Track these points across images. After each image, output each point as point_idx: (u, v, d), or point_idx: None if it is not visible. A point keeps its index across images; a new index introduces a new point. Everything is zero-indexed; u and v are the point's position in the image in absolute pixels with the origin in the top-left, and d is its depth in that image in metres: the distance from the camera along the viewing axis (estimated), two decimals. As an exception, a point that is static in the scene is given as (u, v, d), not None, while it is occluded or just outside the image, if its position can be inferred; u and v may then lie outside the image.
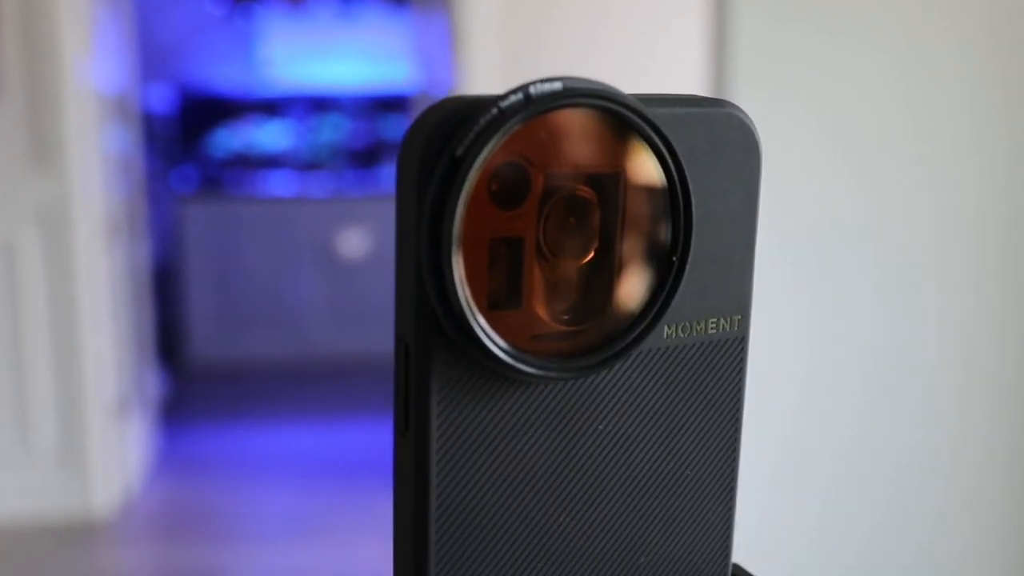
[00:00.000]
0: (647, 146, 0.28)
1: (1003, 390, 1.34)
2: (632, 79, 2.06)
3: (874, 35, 1.24)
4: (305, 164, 4.00)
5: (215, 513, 2.48)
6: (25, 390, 2.33)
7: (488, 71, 2.13)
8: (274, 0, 4.12)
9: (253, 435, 2.99)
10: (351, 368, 3.54)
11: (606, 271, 0.29)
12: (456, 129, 0.26)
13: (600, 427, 0.30)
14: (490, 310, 0.27)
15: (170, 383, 3.34)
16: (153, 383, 3.01)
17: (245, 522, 2.44)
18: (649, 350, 0.30)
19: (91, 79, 2.30)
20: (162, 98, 4.01)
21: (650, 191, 0.29)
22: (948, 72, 1.25)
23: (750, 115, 0.31)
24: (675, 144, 0.28)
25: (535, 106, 0.26)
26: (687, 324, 0.31)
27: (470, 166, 0.26)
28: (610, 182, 0.28)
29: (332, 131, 4.10)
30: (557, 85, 0.26)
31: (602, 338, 0.29)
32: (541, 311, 0.28)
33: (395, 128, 4.06)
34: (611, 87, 0.27)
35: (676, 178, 0.28)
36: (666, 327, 0.30)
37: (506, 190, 0.27)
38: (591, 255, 0.29)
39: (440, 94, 2.40)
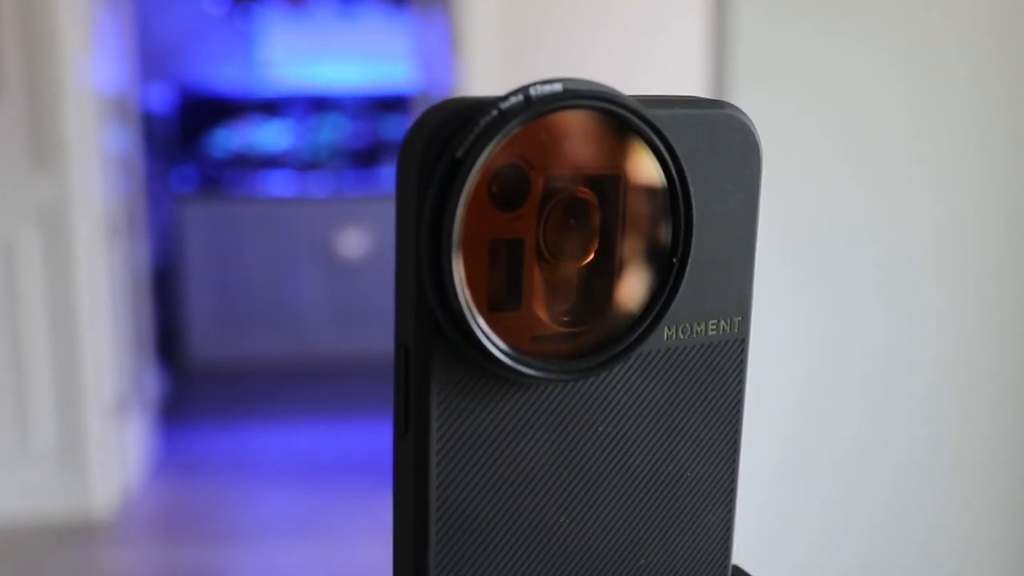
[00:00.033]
0: (647, 147, 0.28)
1: (1003, 390, 1.34)
2: (632, 79, 2.06)
3: (874, 35, 1.24)
4: (305, 164, 4.00)
5: (215, 513, 2.48)
6: (25, 390, 2.33)
7: (488, 71, 2.13)
8: (274, 0, 4.12)
9: (253, 435, 2.99)
10: (351, 368, 3.54)
11: (606, 273, 0.29)
12: (456, 131, 0.26)
13: (600, 429, 0.30)
14: (490, 312, 0.27)
15: (170, 383, 3.34)
16: (153, 383, 3.01)
17: (245, 522, 2.44)
18: (649, 352, 0.30)
19: (91, 79, 2.30)
20: (162, 98, 4.01)
21: (650, 192, 0.29)
22: (948, 72, 1.25)
23: (750, 115, 0.31)
24: (675, 145, 0.28)
25: (535, 108, 0.26)
26: (687, 326, 0.31)
27: (470, 168, 0.26)
28: (610, 184, 0.28)
29: (332, 131, 4.10)
30: (557, 87, 0.26)
31: (602, 340, 0.29)
32: (541, 313, 0.28)
33: (395, 128, 4.06)
34: (611, 89, 0.27)
35: (676, 179, 0.28)
36: (666, 329, 0.30)
37: (506, 192, 0.27)
38: (591, 257, 0.29)
39: (440, 94, 2.40)
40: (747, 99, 1.19)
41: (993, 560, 1.38)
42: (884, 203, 1.27)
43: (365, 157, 4.03)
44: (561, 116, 0.27)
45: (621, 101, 0.27)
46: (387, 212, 3.32)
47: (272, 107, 4.13)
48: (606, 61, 2.15)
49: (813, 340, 1.31)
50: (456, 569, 0.29)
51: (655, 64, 2.15)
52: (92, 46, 2.32)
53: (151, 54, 3.69)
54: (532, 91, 0.26)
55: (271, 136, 4.06)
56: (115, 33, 2.58)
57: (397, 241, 0.28)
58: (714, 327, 0.31)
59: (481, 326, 0.27)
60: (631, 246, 0.29)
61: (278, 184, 3.85)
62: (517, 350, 0.27)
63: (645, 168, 0.28)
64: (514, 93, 0.26)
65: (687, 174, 0.28)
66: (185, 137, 4.04)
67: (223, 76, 4.15)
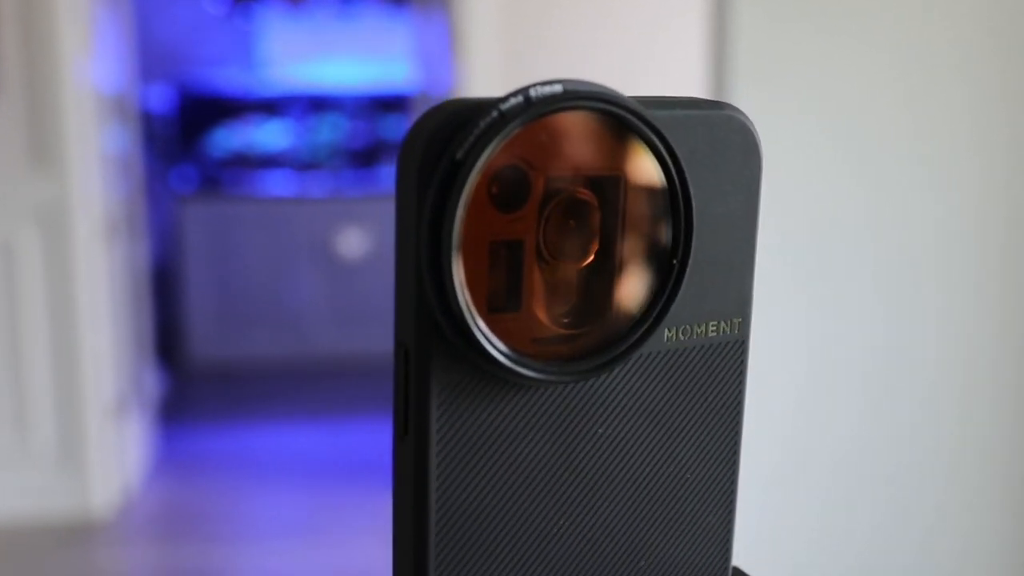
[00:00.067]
0: (647, 149, 0.28)
1: (1003, 390, 1.34)
2: (632, 79, 2.06)
3: (874, 35, 1.24)
4: (304, 164, 4.00)
5: (214, 513, 2.48)
6: (24, 390, 2.33)
7: (488, 71, 2.13)
8: (274, 0, 4.12)
9: (252, 435, 2.99)
10: (350, 368, 3.54)
11: (606, 274, 0.29)
12: (456, 132, 0.26)
13: (600, 430, 0.30)
14: (490, 313, 0.27)
15: (169, 383, 3.34)
16: (152, 383, 3.01)
17: (244, 522, 2.44)
18: (649, 353, 0.30)
19: (91, 79, 2.30)
20: (161, 97, 4.01)
21: (650, 194, 0.29)
22: (948, 72, 1.25)
23: (750, 116, 0.31)
24: (675, 146, 0.28)
25: (535, 109, 0.26)
26: (687, 327, 0.31)
27: (470, 169, 0.26)
28: (610, 185, 0.28)
29: (331, 131, 4.10)
30: (557, 88, 0.26)
31: (602, 341, 0.29)
32: (541, 314, 0.28)
33: (394, 128, 4.06)
34: (611, 90, 0.27)
35: (676, 181, 0.28)
36: (666, 330, 0.30)
37: (506, 193, 0.27)
38: (591, 258, 0.29)
39: (440, 94, 2.40)
40: (747, 99, 1.19)
41: (993, 560, 1.38)
42: (884, 203, 1.27)
43: (365, 157, 4.03)
44: (561, 117, 0.27)
45: (621, 102, 0.27)
46: (387, 212, 3.32)
47: (272, 107, 4.13)
48: (606, 61, 2.15)
49: (813, 340, 1.31)
50: (456, 571, 0.29)
51: (655, 64, 2.15)
52: (92, 46, 2.32)
53: (151, 54, 3.69)
54: (532, 92, 0.26)
55: (271, 136, 4.06)
56: (115, 33, 2.58)
57: (397, 242, 0.28)
58: (714, 328, 0.31)
59: (481, 327, 0.27)
60: (631, 247, 0.29)
61: (278, 184, 3.85)
62: (517, 351, 0.27)
63: (645, 169, 0.28)
64: (514, 94, 0.26)
65: (687, 175, 0.28)
66: (185, 137, 4.04)
67: (223, 76, 4.15)
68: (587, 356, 0.28)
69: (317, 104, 4.13)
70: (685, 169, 0.28)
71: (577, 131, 0.27)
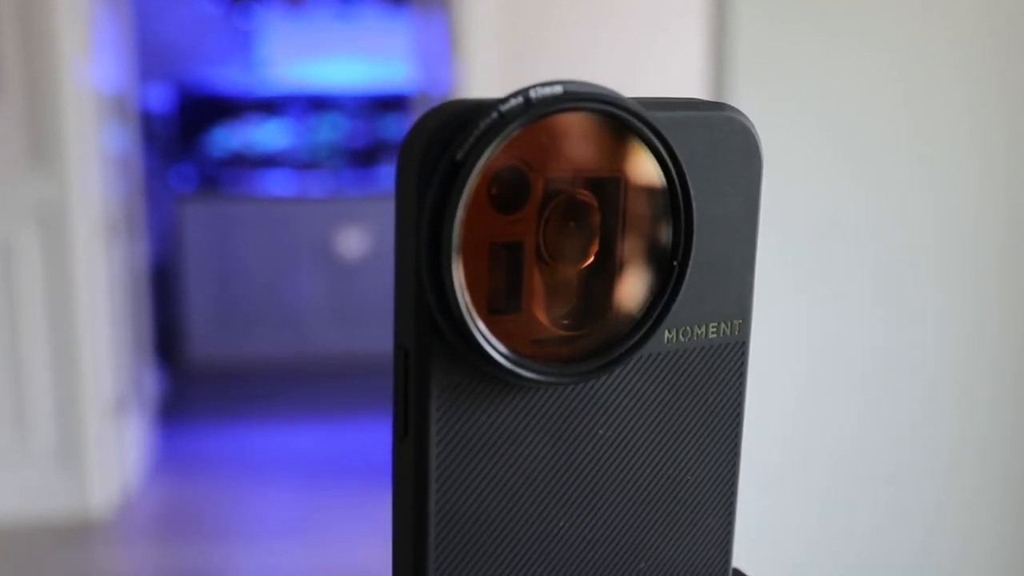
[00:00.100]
0: (647, 150, 0.28)
1: (1003, 390, 1.34)
2: (632, 80, 2.06)
3: (874, 35, 1.24)
4: (304, 163, 3.99)
5: (214, 513, 2.48)
6: (23, 390, 2.33)
7: (488, 71, 2.13)
8: (273, 0, 4.12)
9: (252, 435, 2.99)
10: (350, 368, 3.54)
11: (606, 275, 0.29)
12: (456, 133, 0.26)
13: (600, 432, 0.30)
14: (490, 315, 0.27)
15: (168, 382, 3.33)
16: (151, 382, 3.01)
17: (244, 522, 2.44)
18: (649, 355, 0.30)
19: (90, 79, 2.30)
20: (161, 97, 4.01)
21: (650, 195, 0.28)
22: (948, 72, 1.25)
23: (750, 116, 0.31)
24: (675, 148, 0.28)
25: (535, 110, 0.26)
26: (687, 328, 0.31)
27: (470, 170, 0.26)
28: (610, 186, 0.28)
29: (331, 130, 4.10)
30: (557, 89, 0.26)
31: (602, 343, 0.29)
32: (541, 316, 0.28)
33: (394, 128, 4.06)
34: (611, 91, 0.27)
35: (677, 182, 0.28)
36: (666, 332, 0.30)
37: (506, 194, 0.27)
38: (591, 259, 0.29)
39: (439, 94, 2.40)
40: (747, 99, 1.19)
41: (993, 560, 1.38)
42: (884, 203, 1.27)
43: (364, 156, 4.03)
44: (561, 118, 0.27)
45: (621, 103, 0.27)
46: (387, 212, 3.32)
47: (271, 106, 4.13)
48: (606, 61, 2.15)
49: (813, 340, 1.31)
50: (455, 571, 0.29)
51: (655, 64, 2.15)
52: (91, 46, 2.32)
53: (151, 54, 3.69)
54: (532, 93, 0.26)
55: (270, 135, 4.06)
56: (115, 33, 2.58)
57: (396, 244, 0.28)
58: (714, 330, 0.31)
59: (481, 329, 0.27)
60: (631, 248, 0.29)
61: (277, 183, 3.85)
62: (517, 353, 0.27)
63: (645, 170, 0.28)
64: (514, 95, 0.26)
65: (687, 176, 0.28)
66: (184, 136, 4.04)
67: (222, 75, 4.15)
68: (587, 357, 0.28)
69: (317, 104, 4.13)
70: (685, 170, 0.28)
71: (577, 132, 0.27)
